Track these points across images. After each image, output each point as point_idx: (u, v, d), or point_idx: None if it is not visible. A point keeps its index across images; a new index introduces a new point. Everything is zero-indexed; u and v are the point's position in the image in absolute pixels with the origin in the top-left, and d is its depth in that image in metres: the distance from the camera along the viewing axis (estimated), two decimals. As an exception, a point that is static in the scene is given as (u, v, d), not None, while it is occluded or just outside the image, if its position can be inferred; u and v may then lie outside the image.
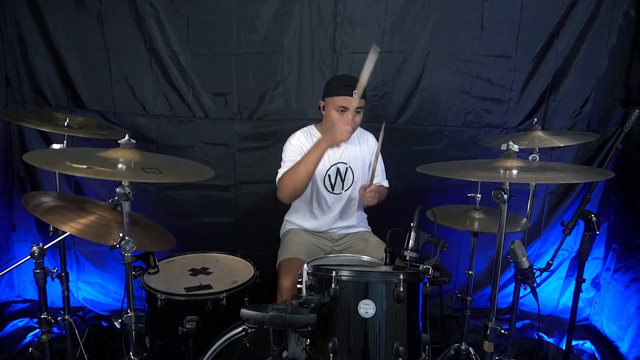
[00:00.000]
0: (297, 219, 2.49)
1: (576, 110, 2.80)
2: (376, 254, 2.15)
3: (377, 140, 2.39)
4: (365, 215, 2.55)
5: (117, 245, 1.50)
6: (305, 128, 2.40)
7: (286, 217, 2.57)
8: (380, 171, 2.49)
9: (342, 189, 2.36)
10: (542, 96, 2.79)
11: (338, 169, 2.34)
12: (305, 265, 1.62)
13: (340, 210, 2.39)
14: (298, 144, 2.28)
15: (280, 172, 2.22)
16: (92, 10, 2.59)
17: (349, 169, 2.34)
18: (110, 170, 1.46)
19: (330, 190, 2.36)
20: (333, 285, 1.42)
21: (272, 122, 2.78)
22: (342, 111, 2.16)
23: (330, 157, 2.32)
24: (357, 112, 2.17)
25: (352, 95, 2.08)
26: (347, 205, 2.40)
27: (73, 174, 1.54)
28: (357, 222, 2.47)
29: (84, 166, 1.44)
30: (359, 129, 2.42)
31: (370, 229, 2.52)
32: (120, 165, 1.49)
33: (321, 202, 2.38)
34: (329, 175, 2.34)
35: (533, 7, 2.63)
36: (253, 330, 1.50)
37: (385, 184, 2.52)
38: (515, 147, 1.62)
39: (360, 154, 2.37)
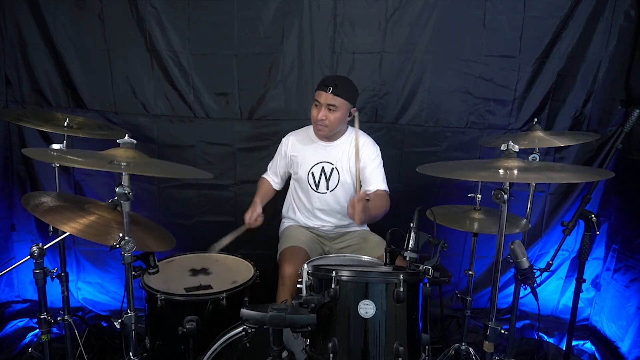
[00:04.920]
0: (291, 215, 2.52)
1: (577, 110, 2.80)
2: (375, 252, 2.15)
3: (374, 147, 2.40)
4: None
5: (117, 245, 1.50)
6: (304, 128, 2.48)
7: (283, 214, 2.61)
8: (380, 177, 2.35)
9: (327, 189, 2.35)
10: (546, 97, 2.78)
11: (323, 168, 2.34)
12: (305, 265, 1.62)
13: (326, 210, 2.39)
14: (280, 149, 2.50)
15: (264, 175, 2.62)
16: (93, 11, 2.59)
17: (334, 169, 2.34)
18: (75, 158, 1.47)
19: (315, 189, 2.36)
20: (333, 286, 1.42)
21: (272, 121, 2.78)
22: (316, 105, 2.24)
23: (316, 155, 2.34)
24: (330, 109, 2.21)
25: (326, 91, 2.18)
26: (335, 206, 2.39)
27: (46, 160, 1.55)
28: (353, 222, 2.45)
29: (54, 153, 1.47)
30: (353, 131, 2.41)
31: (368, 228, 2.52)
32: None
33: (307, 199, 2.40)
34: (312, 173, 2.35)
35: (536, 6, 2.63)
36: (253, 330, 1.50)
37: (383, 188, 2.35)
38: (516, 147, 1.62)
39: (348, 156, 2.35)
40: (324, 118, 2.21)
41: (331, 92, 2.18)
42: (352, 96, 2.28)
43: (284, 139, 2.50)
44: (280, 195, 2.62)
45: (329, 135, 2.32)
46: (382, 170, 2.39)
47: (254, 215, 2.31)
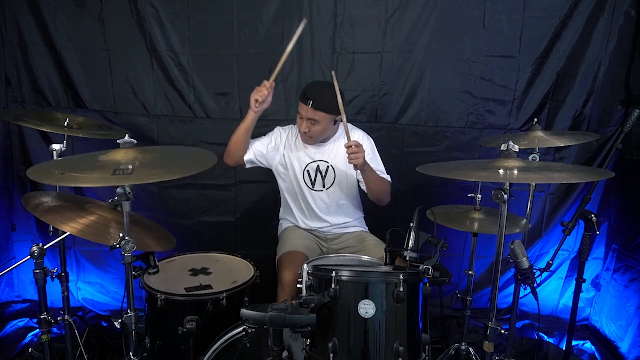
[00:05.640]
0: (289, 216, 2.51)
1: (577, 110, 2.80)
2: (374, 254, 2.15)
3: (368, 141, 2.39)
4: (361, 215, 2.54)
5: (117, 245, 1.50)
6: (295, 125, 2.42)
7: (280, 215, 2.59)
8: (381, 167, 2.40)
9: (323, 186, 2.35)
10: (546, 97, 2.79)
11: (318, 166, 2.33)
12: (305, 265, 1.62)
13: (323, 208, 2.38)
14: (276, 132, 2.39)
15: None
16: (92, 11, 2.59)
17: (330, 167, 2.34)
18: (78, 175, 1.45)
19: (310, 187, 2.35)
20: (333, 285, 1.42)
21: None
22: (300, 116, 2.21)
23: (310, 153, 2.34)
24: (312, 123, 2.17)
25: (306, 104, 2.14)
26: (331, 204, 2.38)
27: (50, 182, 1.55)
28: (351, 222, 2.46)
29: (57, 172, 1.47)
30: (350, 127, 2.39)
31: (367, 228, 2.52)
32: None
33: (303, 198, 2.38)
34: (308, 172, 2.34)
35: (535, 6, 2.63)
36: (253, 330, 1.50)
37: (387, 177, 2.40)
38: (516, 147, 1.62)
39: (344, 154, 2.30)
40: (307, 130, 2.20)
41: (311, 106, 2.12)
42: (332, 109, 2.18)
43: (280, 128, 2.42)
44: (279, 196, 2.60)
45: (316, 143, 2.32)
46: (380, 160, 2.41)
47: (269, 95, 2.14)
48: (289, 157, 2.36)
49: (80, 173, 1.46)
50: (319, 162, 2.33)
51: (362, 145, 2.10)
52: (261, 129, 2.76)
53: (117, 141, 1.59)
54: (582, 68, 2.73)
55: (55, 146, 2.00)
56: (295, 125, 2.41)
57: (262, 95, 2.12)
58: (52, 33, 2.60)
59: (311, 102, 2.12)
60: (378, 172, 2.32)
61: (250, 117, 2.20)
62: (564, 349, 2.56)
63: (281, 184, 2.46)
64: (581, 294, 2.40)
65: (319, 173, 2.34)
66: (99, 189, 2.79)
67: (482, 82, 2.75)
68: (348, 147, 2.06)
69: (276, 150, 2.36)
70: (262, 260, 2.24)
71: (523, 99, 2.79)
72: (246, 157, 2.31)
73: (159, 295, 1.82)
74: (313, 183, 2.35)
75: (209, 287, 1.94)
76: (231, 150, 2.29)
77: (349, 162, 2.10)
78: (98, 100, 2.72)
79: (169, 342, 1.91)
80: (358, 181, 2.39)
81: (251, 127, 2.24)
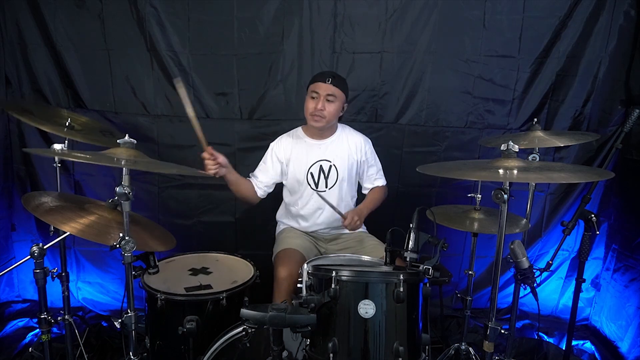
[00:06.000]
0: (288, 219, 2.50)
1: (577, 110, 2.80)
2: (373, 255, 2.15)
3: (368, 144, 2.43)
4: None
5: (117, 245, 1.51)
6: (292, 130, 2.46)
7: (278, 217, 2.59)
8: (380, 172, 2.50)
9: (327, 186, 2.35)
10: (545, 97, 2.79)
11: (321, 166, 2.34)
12: (305, 265, 1.62)
13: (327, 208, 2.37)
14: (272, 153, 2.39)
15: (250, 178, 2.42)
16: (92, 11, 2.59)
17: (332, 166, 2.35)
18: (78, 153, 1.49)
19: (314, 188, 2.36)
20: (333, 285, 1.42)
21: (272, 121, 2.78)
22: (314, 97, 2.24)
23: (313, 154, 2.35)
24: (329, 100, 2.23)
25: (325, 82, 2.21)
26: (333, 203, 2.37)
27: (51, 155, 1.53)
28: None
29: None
30: (349, 129, 2.44)
31: (366, 229, 2.51)
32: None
33: (307, 200, 2.38)
34: (312, 173, 2.35)
35: (535, 6, 2.63)
36: (253, 330, 1.50)
37: (381, 182, 2.51)
38: (516, 147, 1.62)
39: (346, 153, 2.37)
40: (323, 108, 2.22)
41: (330, 83, 2.20)
42: (347, 90, 2.32)
43: (274, 144, 2.42)
44: (279, 197, 2.61)
45: (324, 128, 2.32)
46: (378, 160, 2.50)
47: (218, 158, 2.08)
48: (292, 165, 2.37)
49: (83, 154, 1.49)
50: (321, 162, 2.34)
51: (355, 216, 2.25)
52: (261, 129, 2.79)
53: (118, 141, 1.60)
54: (581, 68, 2.73)
55: (57, 146, 2.00)
56: (288, 134, 2.44)
57: (211, 165, 2.08)
58: (52, 33, 2.60)
59: (330, 79, 2.22)
60: (376, 180, 2.48)
61: (227, 178, 2.21)
62: (564, 349, 2.56)
63: (284, 186, 2.46)
64: (581, 294, 2.40)
65: (322, 173, 2.34)
66: (99, 189, 2.80)
67: (481, 82, 2.75)
68: (348, 224, 2.23)
69: (280, 165, 2.39)
70: (262, 260, 2.24)
71: (523, 99, 2.79)
72: (260, 194, 2.39)
73: (159, 295, 1.82)
74: (317, 184, 2.36)
75: (209, 287, 1.94)
76: (243, 201, 2.42)
77: (351, 230, 2.31)
78: (98, 100, 2.72)
79: (169, 342, 1.91)
80: (359, 185, 2.49)
81: (235, 181, 2.27)
